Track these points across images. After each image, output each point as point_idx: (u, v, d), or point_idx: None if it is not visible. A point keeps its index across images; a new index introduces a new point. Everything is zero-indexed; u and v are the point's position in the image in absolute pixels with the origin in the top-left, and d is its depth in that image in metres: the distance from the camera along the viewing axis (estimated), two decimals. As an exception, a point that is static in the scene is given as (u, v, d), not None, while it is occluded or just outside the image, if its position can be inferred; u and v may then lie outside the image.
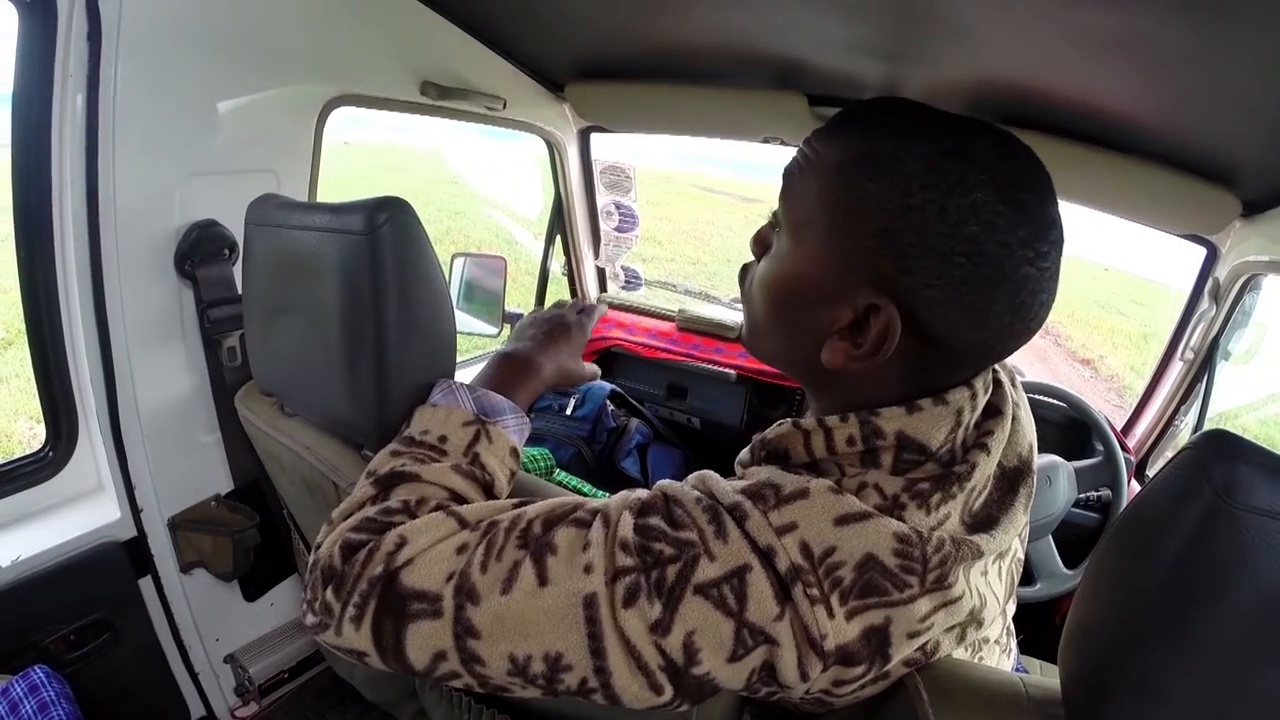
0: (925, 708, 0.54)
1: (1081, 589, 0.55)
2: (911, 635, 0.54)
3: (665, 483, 0.59)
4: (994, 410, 0.63)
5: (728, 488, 0.56)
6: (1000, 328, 0.55)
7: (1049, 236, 0.54)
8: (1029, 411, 0.71)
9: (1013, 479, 0.65)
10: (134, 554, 1.25)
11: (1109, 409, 1.54)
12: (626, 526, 0.54)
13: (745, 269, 0.69)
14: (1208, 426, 1.51)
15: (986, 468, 0.60)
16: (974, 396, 0.60)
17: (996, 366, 0.66)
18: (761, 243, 0.66)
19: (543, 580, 0.54)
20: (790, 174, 0.61)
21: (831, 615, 0.51)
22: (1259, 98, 0.90)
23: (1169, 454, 1.72)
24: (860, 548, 0.52)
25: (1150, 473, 1.71)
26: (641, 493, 0.59)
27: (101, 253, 1.09)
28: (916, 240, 0.52)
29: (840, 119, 0.59)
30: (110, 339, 1.14)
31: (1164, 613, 0.45)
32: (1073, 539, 1.53)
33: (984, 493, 0.61)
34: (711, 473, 0.59)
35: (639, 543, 0.53)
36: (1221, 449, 0.44)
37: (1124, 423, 1.78)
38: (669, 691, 0.53)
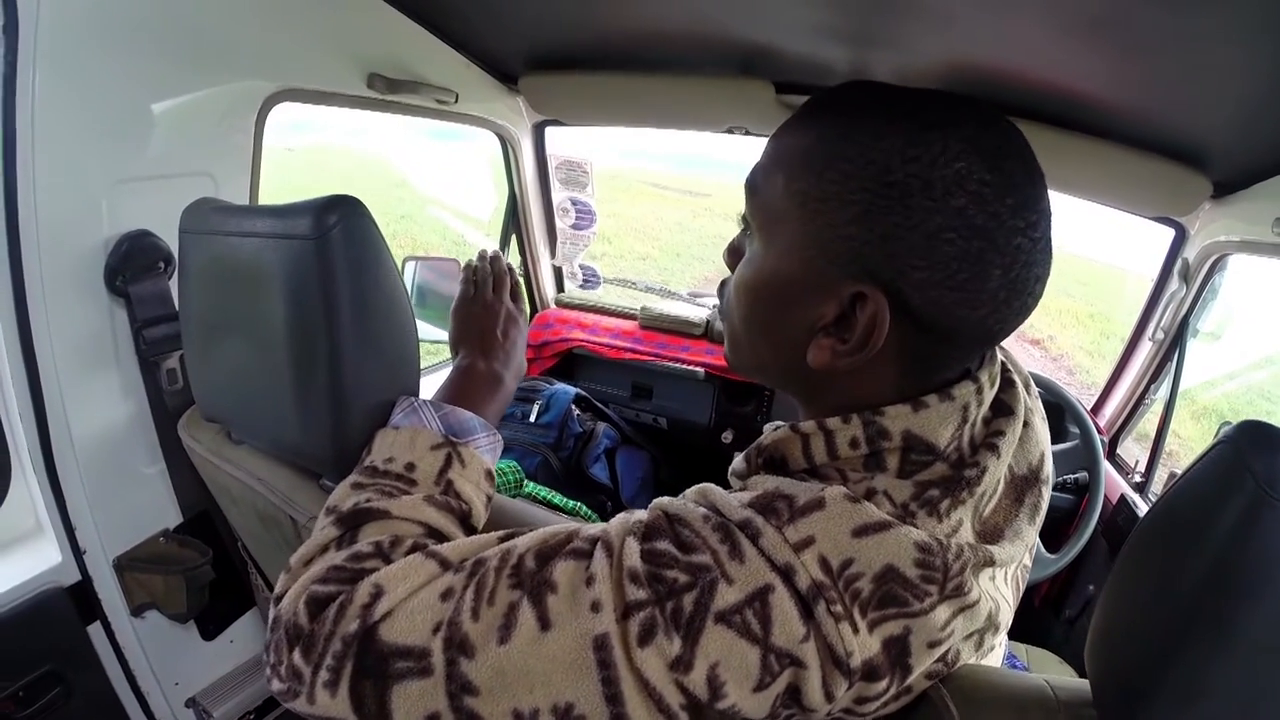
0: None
1: (1110, 589, 0.53)
2: (932, 645, 0.50)
3: (664, 501, 0.55)
4: (1005, 409, 0.60)
5: (734, 501, 0.52)
6: (996, 305, 0.52)
7: (1038, 206, 0.52)
8: (1044, 419, 0.69)
9: (1020, 488, 0.62)
10: (80, 599, 1.16)
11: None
12: (633, 554, 0.49)
13: (723, 284, 0.65)
14: (1179, 404, 1.53)
15: (996, 471, 0.56)
16: (979, 391, 0.57)
17: (1009, 368, 0.64)
18: (734, 253, 0.63)
19: (545, 624, 0.48)
20: (756, 173, 0.58)
21: (856, 631, 0.47)
22: (1229, 79, 0.90)
23: (1136, 430, 1.75)
24: (880, 559, 0.48)
25: (1121, 451, 1.74)
26: (641, 514, 0.54)
27: (24, 272, 0.99)
28: (901, 219, 0.49)
29: (811, 106, 0.56)
30: (39, 367, 1.04)
31: (1205, 610, 0.44)
32: (1052, 522, 1.53)
33: (994, 498, 0.58)
34: (713, 486, 0.55)
35: (649, 571, 0.48)
36: (1260, 440, 0.43)
37: (1093, 403, 1.80)
38: None
